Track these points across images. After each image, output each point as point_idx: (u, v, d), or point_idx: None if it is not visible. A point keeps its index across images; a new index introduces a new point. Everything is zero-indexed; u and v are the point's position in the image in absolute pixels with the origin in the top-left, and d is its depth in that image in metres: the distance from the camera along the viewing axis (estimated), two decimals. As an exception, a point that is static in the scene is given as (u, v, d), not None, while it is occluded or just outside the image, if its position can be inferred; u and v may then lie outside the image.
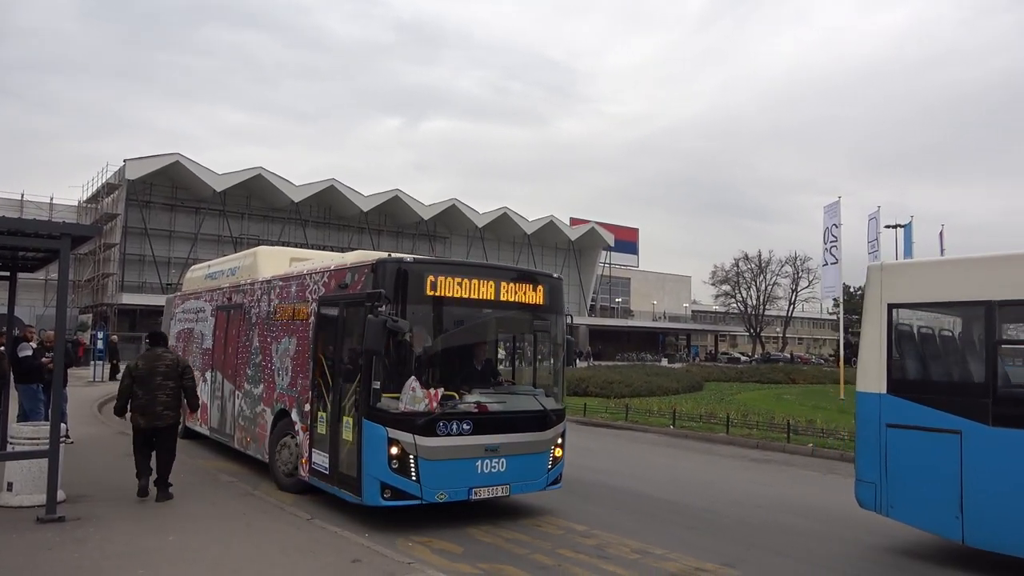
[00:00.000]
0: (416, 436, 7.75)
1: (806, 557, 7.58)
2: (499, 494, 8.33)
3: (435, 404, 7.90)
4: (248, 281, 11.77)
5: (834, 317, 71.92)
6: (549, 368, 9.17)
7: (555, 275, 9.38)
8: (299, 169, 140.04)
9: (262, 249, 12.57)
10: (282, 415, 9.97)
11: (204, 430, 13.02)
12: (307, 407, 9.18)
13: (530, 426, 8.64)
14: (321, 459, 8.75)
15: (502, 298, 8.53)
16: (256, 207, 59.24)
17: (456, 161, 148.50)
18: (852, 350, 60.07)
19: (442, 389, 8.01)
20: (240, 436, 11.35)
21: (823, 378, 39.94)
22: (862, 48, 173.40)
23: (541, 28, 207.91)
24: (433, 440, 7.84)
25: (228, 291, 12.55)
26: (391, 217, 64.66)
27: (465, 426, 8.05)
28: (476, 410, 8.25)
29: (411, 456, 7.74)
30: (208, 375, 12.91)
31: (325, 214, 62.39)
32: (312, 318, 9.34)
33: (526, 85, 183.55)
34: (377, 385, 7.82)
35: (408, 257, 8.07)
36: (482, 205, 74.85)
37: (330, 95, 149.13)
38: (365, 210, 60.79)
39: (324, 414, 8.77)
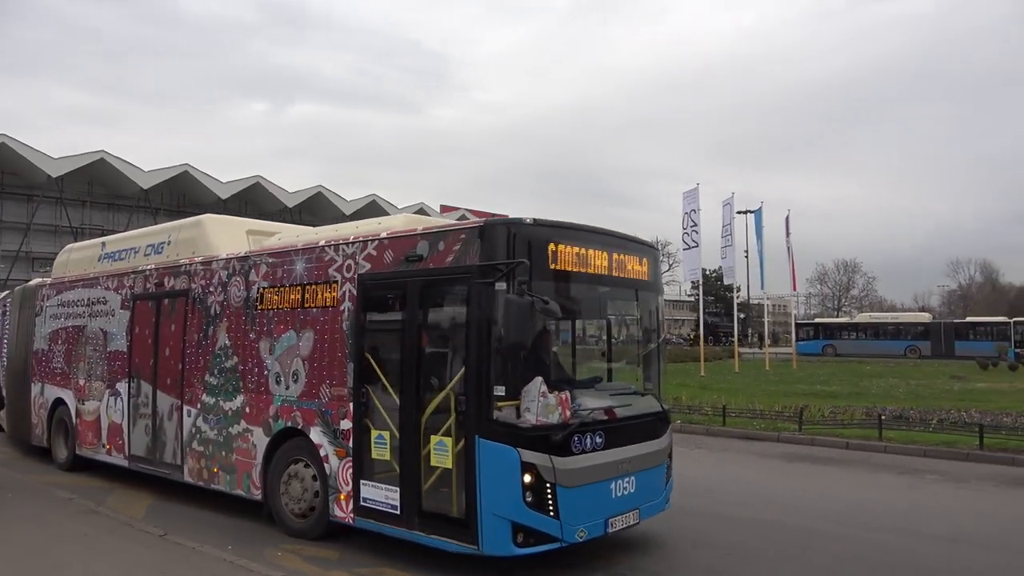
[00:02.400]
0: (553, 457, 5.78)
1: None
2: (631, 523, 6.53)
3: (568, 412, 5.97)
4: (200, 261, 8.85)
5: (692, 299, 76.02)
6: (654, 357, 7.47)
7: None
8: (150, 154, 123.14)
9: (209, 218, 9.59)
10: (287, 435, 7.43)
11: (117, 459, 9.82)
12: (344, 423, 6.79)
13: (651, 432, 6.93)
14: (381, 494, 6.45)
15: (615, 272, 6.71)
16: (99, 194, 52.00)
17: (324, 147, 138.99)
18: (710, 330, 65.35)
19: (567, 392, 6.10)
20: (197, 466, 8.50)
21: (684, 357, 41.38)
22: (718, 45, 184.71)
23: (413, 14, 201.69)
24: (571, 460, 5.90)
25: (156, 274, 9.47)
26: (252, 204, 58.90)
27: (598, 439, 6.18)
28: (606, 417, 6.41)
29: (548, 484, 5.75)
30: (121, 386, 9.73)
31: (179, 201, 55.53)
32: (347, 303, 6.92)
33: (398, 71, 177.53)
34: (501, 391, 5.73)
35: (527, 218, 6.01)
36: (350, 192, 70.84)
37: (188, 76, 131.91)
38: (223, 197, 54.72)
39: (385, 432, 6.46)
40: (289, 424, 7.41)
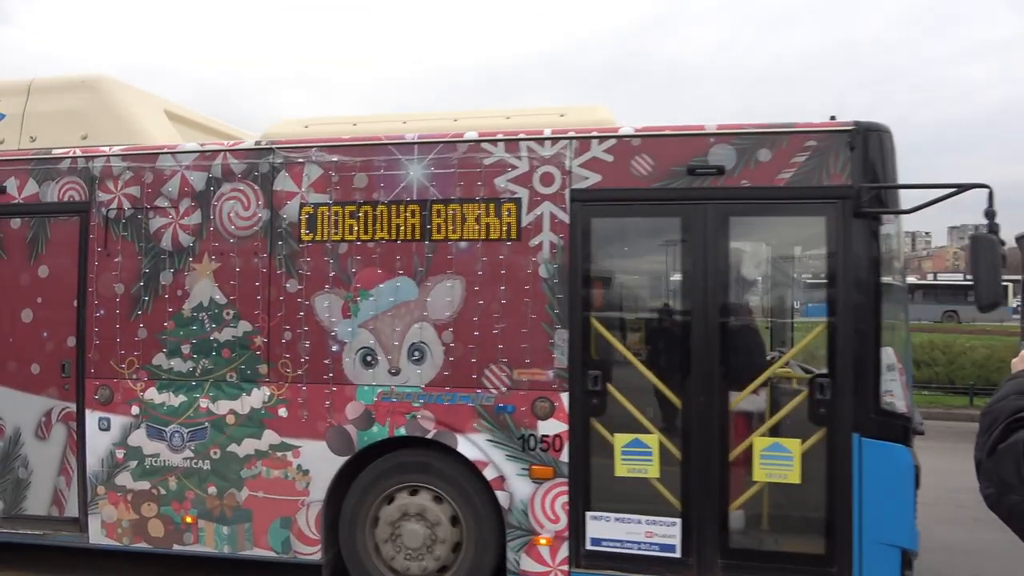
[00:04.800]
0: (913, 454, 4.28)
1: None
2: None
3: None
4: (121, 152, 4.91)
5: None
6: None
7: None
8: None
9: (111, 81, 5.34)
10: (382, 450, 4.51)
11: None
12: (549, 425, 4.27)
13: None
14: (637, 530, 4.19)
15: None
16: None
17: None
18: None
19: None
20: (128, 516, 4.79)
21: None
22: None
23: None
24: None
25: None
26: None
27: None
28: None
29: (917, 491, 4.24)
30: None
31: None
32: (548, 236, 4.31)
33: None
34: (896, 378, 4.02)
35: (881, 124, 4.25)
36: None
37: None
38: None
39: (648, 437, 4.19)
40: (400, 431, 4.48)
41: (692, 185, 4.20)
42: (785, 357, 4.27)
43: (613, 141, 4.31)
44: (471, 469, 4.39)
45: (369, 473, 4.54)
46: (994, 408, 1.13)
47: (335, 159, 4.61)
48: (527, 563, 4.33)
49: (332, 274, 4.58)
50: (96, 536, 4.86)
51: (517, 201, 4.39)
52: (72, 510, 4.93)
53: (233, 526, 4.68)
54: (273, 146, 4.71)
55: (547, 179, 4.36)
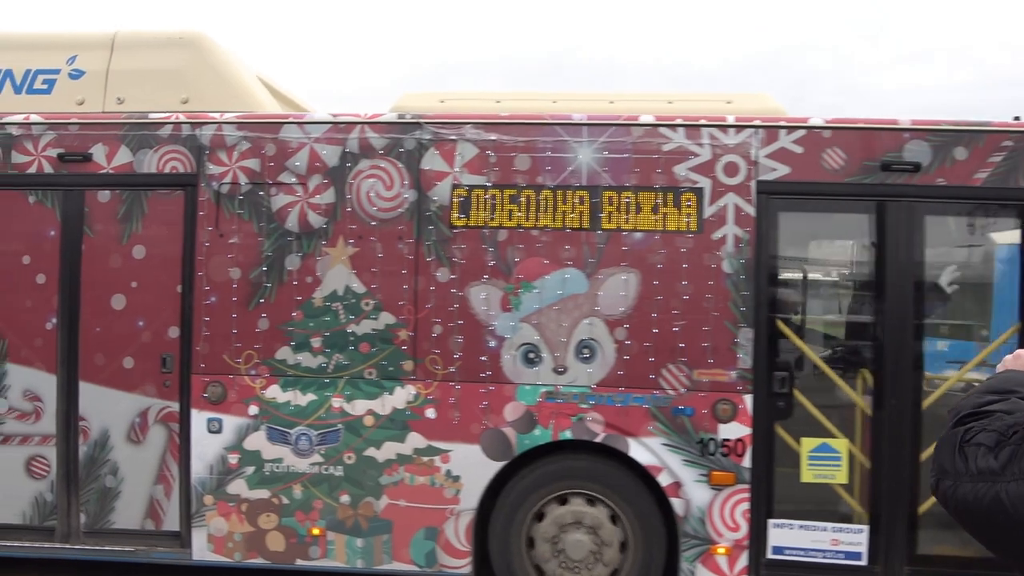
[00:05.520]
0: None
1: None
2: None
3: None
4: (236, 120, 4.36)
5: None
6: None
7: None
8: None
9: (209, 41, 4.67)
10: (540, 453, 4.18)
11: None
12: (731, 429, 4.04)
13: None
14: (822, 538, 4.03)
15: None
16: None
17: None
18: None
19: None
20: (241, 529, 4.27)
21: None
22: None
23: None
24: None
25: (75, 138, 4.41)
26: None
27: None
28: None
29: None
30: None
31: None
32: (732, 229, 4.05)
33: None
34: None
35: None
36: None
37: None
38: None
39: (836, 442, 4.03)
40: (565, 434, 4.15)
41: (887, 181, 4.05)
42: (977, 358, 4.19)
43: (803, 132, 4.11)
44: (640, 475, 4.13)
45: (526, 479, 4.20)
46: (959, 403, 1.18)
47: (493, 138, 4.22)
48: (703, 573, 4.10)
49: (491, 263, 4.20)
50: (201, 552, 4.31)
51: (698, 191, 4.13)
52: (172, 523, 4.36)
53: (369, 538, 4.24)
54: (421, 120, 4.27)
55: (731, 169, 4.12)
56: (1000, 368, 1.32)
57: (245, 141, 4.34)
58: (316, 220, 4.29)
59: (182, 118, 4.39)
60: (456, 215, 4.23)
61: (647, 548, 4.13)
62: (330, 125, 4.33)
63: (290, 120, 4.36)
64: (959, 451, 1.12)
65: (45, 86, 4.63)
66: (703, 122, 4.16)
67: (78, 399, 4.40)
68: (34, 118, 4.45)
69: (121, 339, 4.38)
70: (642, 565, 4.13)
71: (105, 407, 4.38)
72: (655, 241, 4.14)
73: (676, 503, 4.10)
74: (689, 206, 4.13)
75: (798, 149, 4.10)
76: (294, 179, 4.30)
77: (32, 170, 4.43)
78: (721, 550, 4.09)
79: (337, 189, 4.28)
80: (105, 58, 4.63)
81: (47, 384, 4.42)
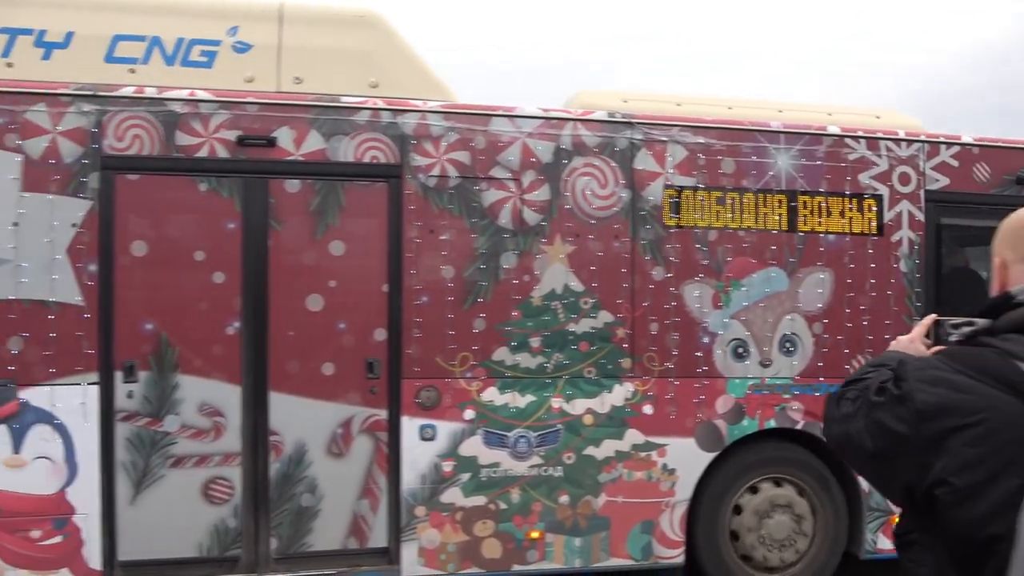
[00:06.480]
0: None
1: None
2: None
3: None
4: (441, 108, 4.11)
5: None
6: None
7: None
8: None
9: (381, 18, 4.18)
10: (743, 442, 4.43)
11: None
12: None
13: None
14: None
15: None
16: None
17: None
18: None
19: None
20: (455, 539, 4.07)
21: None
22: None
23: None
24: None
25: (230, 120, 3.90)
26: None
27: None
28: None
29: None
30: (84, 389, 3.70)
31: None
32: (906, 233, 4.53)
33: None
34: None
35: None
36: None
37: None
38: None
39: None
40: (769, 423, 4.41)
41: (1021, 193, 4.73)
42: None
43: (957, 148, 4.68)
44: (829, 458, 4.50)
45: (735, 466, 4.41)
46: (851, 374, 1.61)
47: (702, 141, 4.37)
48: (883, 542, 4.56)
49: (703, 262, 4.35)
50: (411, 567, 4.06)
51: (879, 198, 4.56)
52: (378, 539, 4.07)
53: (587, 537, 4.24)
54: (633, 120, 4.32)
55: (904, 178, 4.60)
56: (890, 347, 1.73)
57: (453, 132, 4.12)
58: (532, 217, 4.19)
59: (380, 104, 4.08)
60: (669, 215, 4.33)
61: (836, 519, 4.52)
62: (542, 120, 4.24)
63: (500, 113, 4.21)
64: (836, 403, 1.47)
65: (204, 59, 4.07)
66: (880, 135, 4.60)
67: (267, 412, 3.95)
68: (200, 94, 3.91)
69: (319, 344, 4.00)
70: (834, 532, 4.51)
71: (301, 419, 3.98)
72: (845, 243, 4.52)
73: (864, 480, 4.52)
74: (871, 211, 4.55)
75: (955, 163, 4.67)
76: (507, 174, 4.17)
77: (202, 154, 3.90)
78: (898, 519, 4.56)
79: (552, 186, 4.21)
80: (274, 32, 4.17)
81: (229, 396, 3.92)
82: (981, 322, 1.41)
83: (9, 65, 3.89)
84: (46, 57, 3.94)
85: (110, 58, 3.99)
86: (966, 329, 1.44)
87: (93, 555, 3.77)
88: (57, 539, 3.74)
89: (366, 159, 4.04)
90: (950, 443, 1.26)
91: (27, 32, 3.93)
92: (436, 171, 4.10)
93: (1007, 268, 1.47)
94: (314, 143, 4.00)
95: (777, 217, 4.45)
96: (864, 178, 4.55)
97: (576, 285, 4.22)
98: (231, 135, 3.91)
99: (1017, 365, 1.27)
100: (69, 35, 3.96)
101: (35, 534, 3.73)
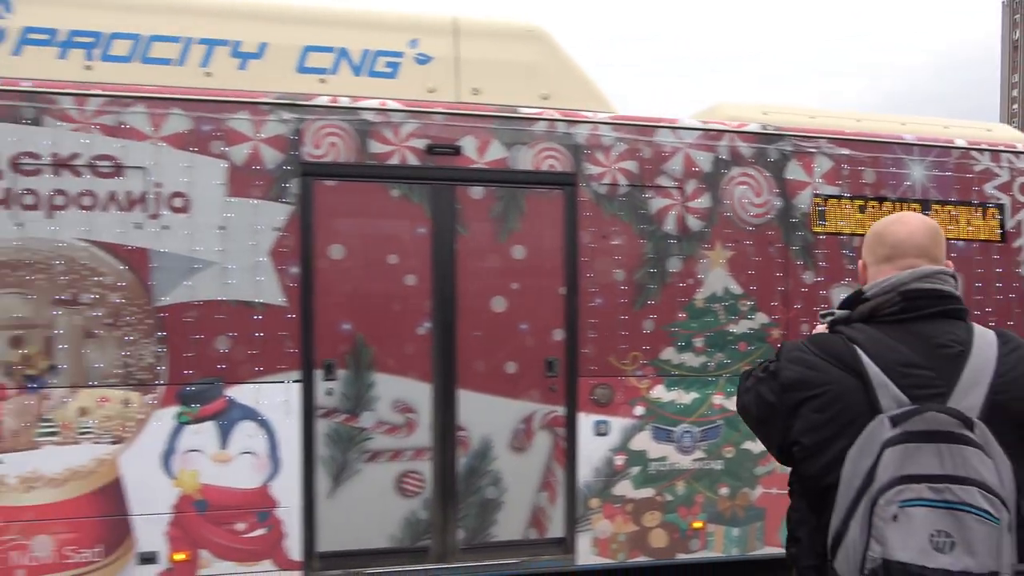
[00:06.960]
0: None
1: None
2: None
3: None
4: (623, 121, 4.33)
5: None
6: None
7: None
8: None
9: (545, 33, 4.37)
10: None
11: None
12: None
13: None
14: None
15: None
16: None
17: None
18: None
19: None
20: (627, 529, 4.28)
21: None
22: None
23: None
24: None
25: (438, 126, 4.08)
26: None
27: None
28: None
29: None
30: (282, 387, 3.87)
31: None
32: (1026, 240, 4.86)
33: None
34: None
35: None
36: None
37: None
38: None
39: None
40: (906, 419, 4.69)
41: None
42: None
43: (1072, 160, 5.02)
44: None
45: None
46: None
47: (846, 152, 4.64)
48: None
49: (850, 267, 4.62)
50: (585, 556, 4.27)
51: (1001, 207, 4.88)
52: (555, 530, 4.26)
53: (744, 527, 4.48)
54: (783, 132, 4.57)
55: (1023, 189, 4.93)
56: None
57: (621, 143, 4.35)
58: (695, 224, 4.42)
59: (555, 115, 4.29)
60: (817, 222, 4.59)
61: None
62: (702, 131, 4.48)
63: (663, 124, 4.44)
64: (744, 379, 1.80)
65: (389, 69, 4.24)
66: (1001, 148, 4.91)
67: (455, 408, 4.13)
68: (391, 104, 4.09)
69: (503, 343, 4.19)
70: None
71: (486, 415, 4.16)
72: (972, 249, 4.82)
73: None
74: (995, 219, 4.86)
75: (1067, 174, 5.00)
76: (672, 183, 4.40)
77: (394, 161, 4.07)
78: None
79: (712, 194, 4.45)
80: (450, 44, 4.35)
81: (421, 394, 4.09)
82: (840, 313, 1.72)
83: (208, 75, 4.02)
84: (242, 67, 4.08)
85: (302, 68, 4.15)
86: (829, 319, 1.74)
87: (294, 547, 3.92)
88: (261, 531, 3.88)
89: (544, 167, 4.24)
90: (802, 410, 1.60)
91: (223, 43, 4.07)
92: (607, 179, 4.31)
93: (866, 269, 1.77)
94: (496, 152, 4.19)
95: (912, 224, 4.73)
96: (988, 188, 4.86)
97: (735, 288, 4.46)
98: (420, 143, 4.09)
99: (855, 349, 1.58)
100: (263, 46, 4.11)
101: (240, 527, 3.87)
